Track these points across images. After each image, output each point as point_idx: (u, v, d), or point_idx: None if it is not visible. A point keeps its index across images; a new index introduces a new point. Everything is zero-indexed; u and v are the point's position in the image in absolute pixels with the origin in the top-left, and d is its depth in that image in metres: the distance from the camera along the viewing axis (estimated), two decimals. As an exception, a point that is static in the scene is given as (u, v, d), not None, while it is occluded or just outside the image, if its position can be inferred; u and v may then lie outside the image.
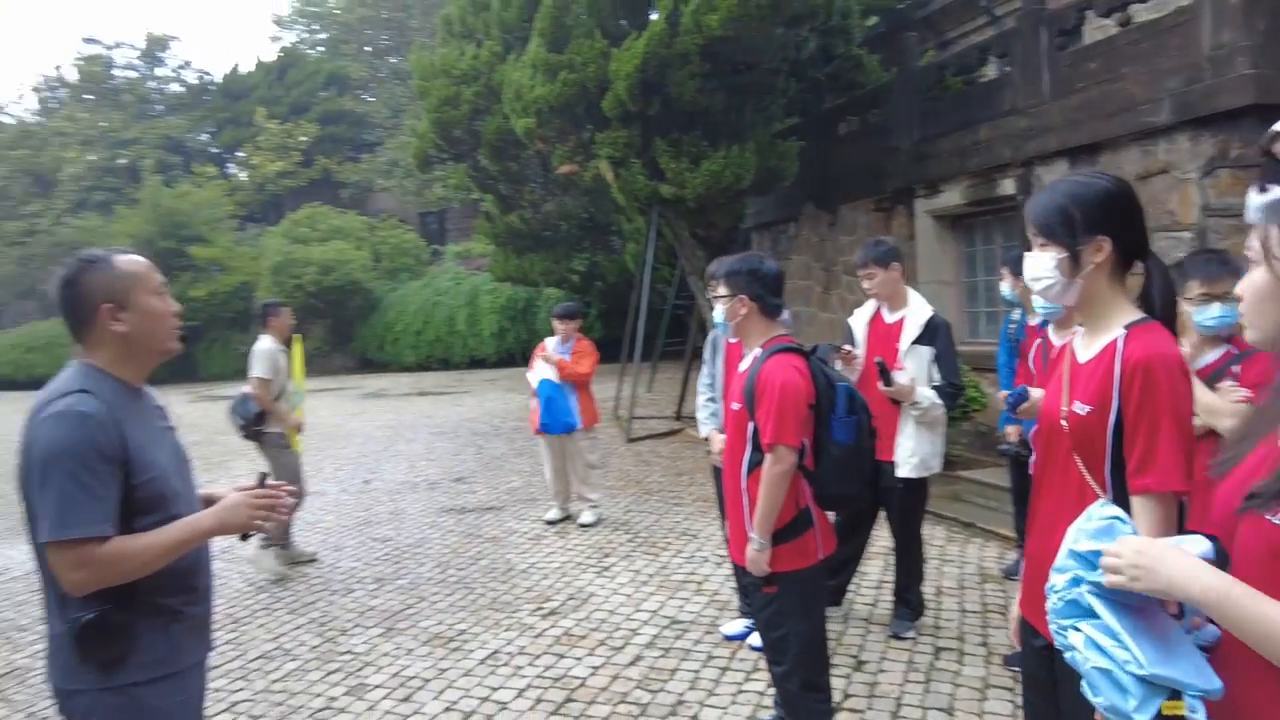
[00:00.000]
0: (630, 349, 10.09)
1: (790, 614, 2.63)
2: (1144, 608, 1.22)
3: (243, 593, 5.07)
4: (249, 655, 4.12)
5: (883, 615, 4.07)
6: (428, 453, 9.54)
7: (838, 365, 3.88)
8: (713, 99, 7.25)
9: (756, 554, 2.58)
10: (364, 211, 27.80)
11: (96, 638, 1.72)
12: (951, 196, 7.31)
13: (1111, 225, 1.69)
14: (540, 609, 4.48)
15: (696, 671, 3.63)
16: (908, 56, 8.11)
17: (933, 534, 5.26)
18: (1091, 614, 1.28)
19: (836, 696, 3.26)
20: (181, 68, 33.41)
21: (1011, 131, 6.63)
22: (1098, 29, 6.91)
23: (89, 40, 34.22)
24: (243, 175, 29.95)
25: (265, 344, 5.44)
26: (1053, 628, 1.38)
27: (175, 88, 33.24)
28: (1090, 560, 1.32)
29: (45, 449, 1.70)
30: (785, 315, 3.90)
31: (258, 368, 5.34)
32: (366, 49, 31.92)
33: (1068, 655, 1.32)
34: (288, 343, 5.69)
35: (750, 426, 2.63)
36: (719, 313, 2.81)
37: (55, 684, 1.80)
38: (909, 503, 3.85)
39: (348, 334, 24.10)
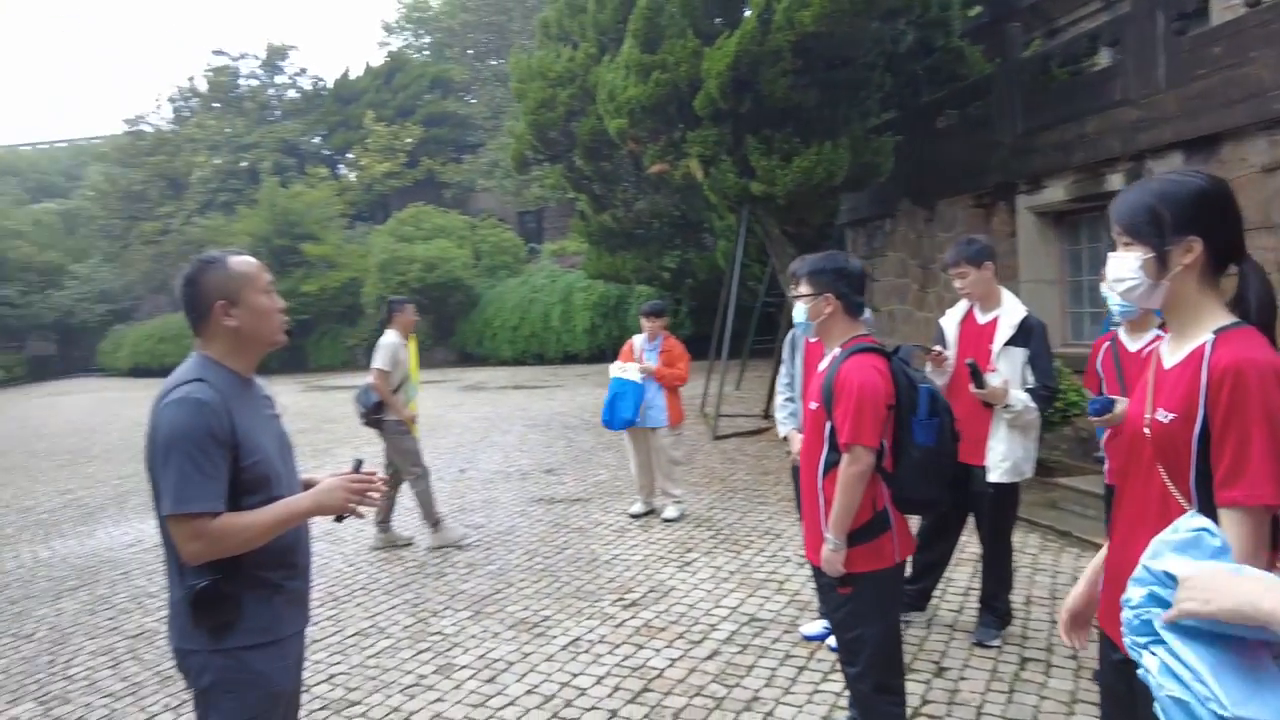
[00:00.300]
0: (718, 346, 10.09)
1: (865, 616, 2.61)
2: (1233, 639, 1.15)
3: (343, 573, 5.37)
4: (347, 631, 4.37)
5: (968, 622, 3.96)
6: (520, 444, 9.81)
7: (928, 368, 3.82)
8: (805, 95, 7.17)
9: (831, 554, 2.57)
10: (465, 211, 28.71)
11: (208, 604, 1.90)
12: (1055, 192, 6.99)
13: (1203, 225, 1.62)
14: (622, 600, 4.57)
15: (773, 669, 3.64)
16: (1011, 47, 7.80)
17: (1026, 541, 5.08)
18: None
19: (914, 701, 3.22)
20: (298, 75, 35.26)
21: (1122, 123, 6.30)
22: (1226, 9, 6.49)
23: (217, 53, 36.26)
24: (352, 176, 31.38)
25: (389, 338, 5.72)
26: (1127, 642, 1.34)
27: (292, 94, 35.13)
28: (1166, 581, 1.27)
29: (167, 432, 1.88)
30: (867, 315, 3.86)
31: (379, 360, 5.63)
32: (469, 52, 32.89)
33: (1141, 673, 1.29)
34: (410, 338, 5.96)
35: (828, 426, 2.62)
36: (800, 311, 2.79)
37: (174, 644, 1.99)
38: (999, 508, 3.74)
39: (449, 329, 24.91)
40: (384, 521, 5.89)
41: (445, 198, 29.91)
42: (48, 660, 4.29)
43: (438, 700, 3.53)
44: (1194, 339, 1.65)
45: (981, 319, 3.77)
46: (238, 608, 1.94)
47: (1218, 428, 1.54)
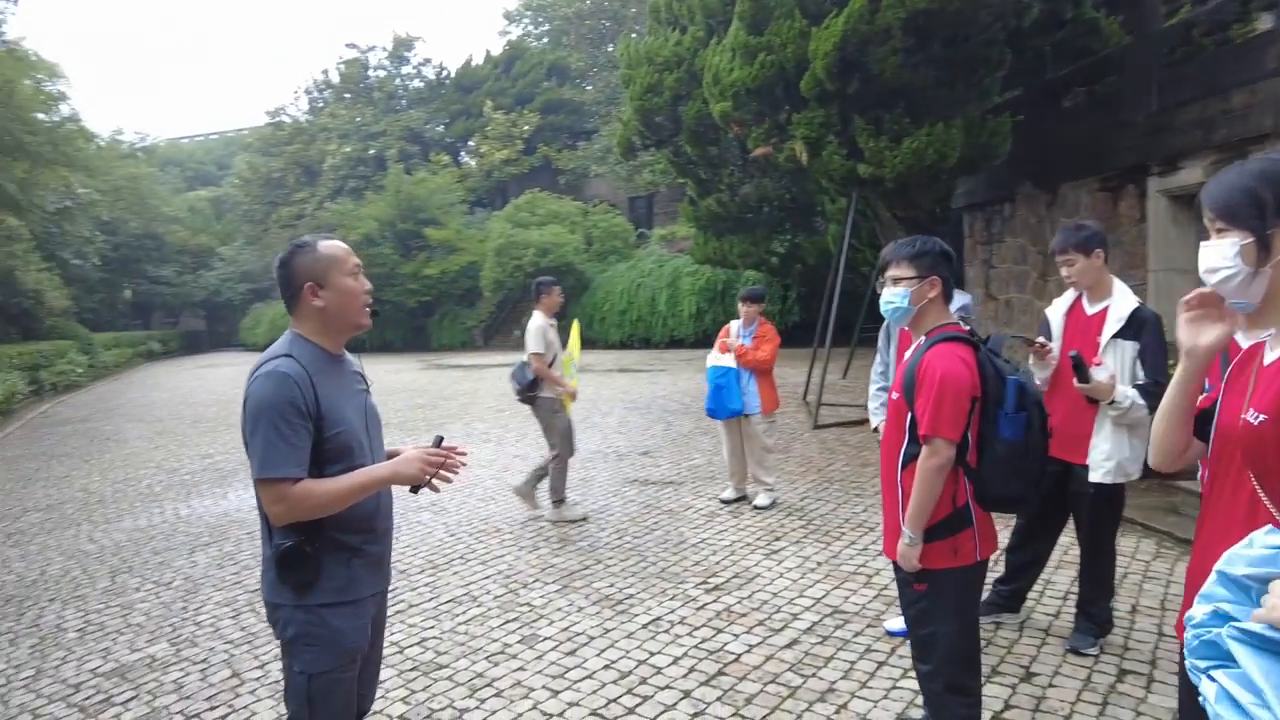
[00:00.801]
0: (823, 333, 9.89)
1: (939, 613, 2.54)
2: None
3: (444, 542, 5.64)
4: (441, 598, 4.59)
5: (1063, 628, 3.77)
6: (620, 426, 9.96)
7: (1030, 360, 3.64)
8: (916, 75, 6.90)
9: (907, 549, 2.51)
10: (579, 196, 29.22)
11: (291, 563, 2.05)
12: (1192, 174, 6.46)
13: None
14: (705, 583, 4.60)
15: (852, 662, 3.59)
16: (1151, 17, 7.23)
17: (1139, 547, 4.77)
18: (1231, 659, 1.14)
19: (996, 705, 3.10)
20: (422, 64, 36.68)
21: (1274, 96, 5.74)
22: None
23: (350, 45, 38.16)
24: (472, 163, 32.44)
25: (535, 320, 5.92)
26: (1187, 664, 1.26)
27: (416, 83, 36.60)
28: (1244, 587, 1.18)
29: (255, 403, 2.03)
30: (965, 300, 3.72)
31: (531, 344, 5.83)
32: (586, 38, 33.32)
33: (1200, 699, 1.20)
34: (558, 317, 6.13)
35: (909, 417, 2.55)
36: (896, 296, 2.66)
37: (265, 597, 2.16)
38: (1101, 510, 3.53)
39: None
40: (559, 500, 6.07)
41: (560, 184, 30.51)
42: (181, 607, 4.72)
43: (519, 669, 3.67)
44: None
45: (1090, 309, 3.55)
46: (318, 568, 2.09)
47: None
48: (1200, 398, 1.74)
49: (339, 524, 2.12)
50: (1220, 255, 1.55)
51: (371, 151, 33.18)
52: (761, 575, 4.70)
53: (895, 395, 2.65)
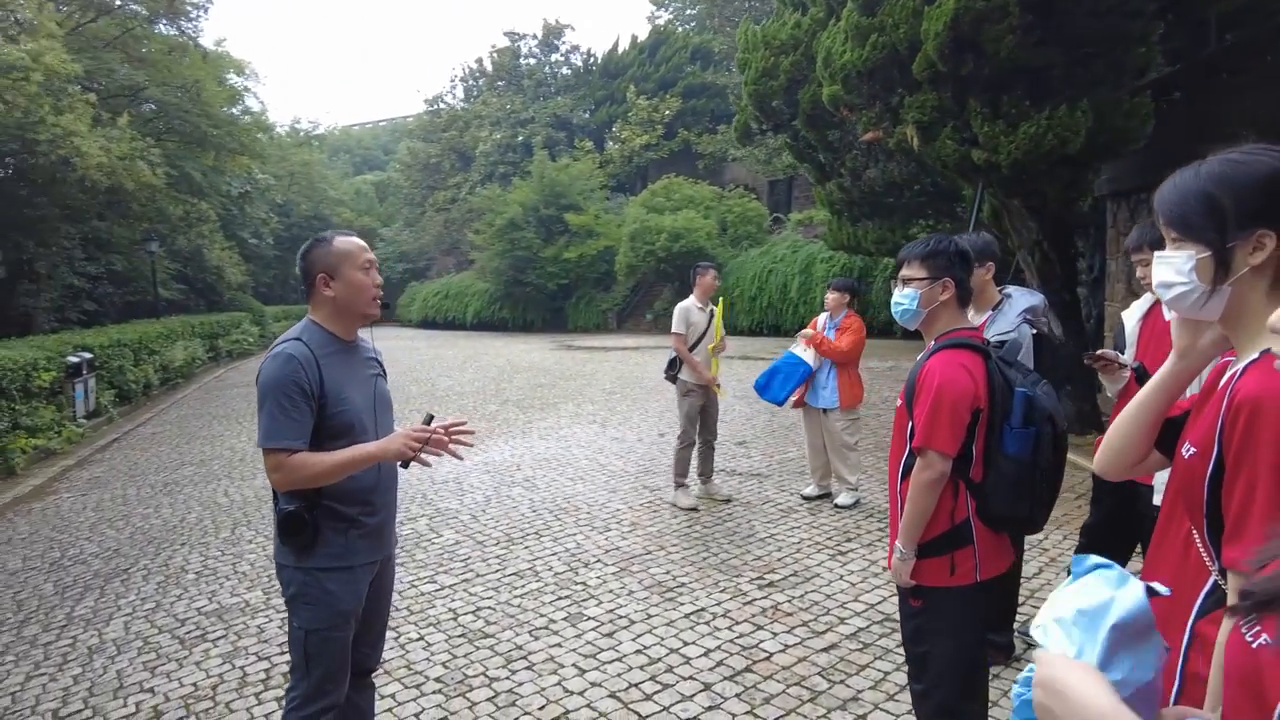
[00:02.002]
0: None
1: (934, 633, 2.44)
2: None
3: (525, 518, 5.89)
4: (507, 570, 4.82)
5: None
6: (724, 414, 9.91)
7: (1101, 378, 3.37)
8: (1037, 54, 6.41)
9: (898, 563, 2.43)
10: (718, 181, 29.08)
11: (290, 527, 2.26)
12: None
13: (1277, 216, 1.32)
14: (761, 578, 4.57)
15: (886, 673, 3.48)
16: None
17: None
18: None
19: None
20: (570, 51, 37.56)
21: None
22: None
23: (508, 34, 39.57)
24: (613, 148, 32.96)
25: (683, 302, 6.13)
26: None
27: (565, 71, 37.56)
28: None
29: (263, 380, 2.26)
30: (1028, 303, 3.47)
31: (674, 324, 6.09)
32: (731, 21, 32.95)
33: None
34: (712, 301, 6.28)
35: (909, 426, 2.46)
36: (906, 298, 2.57)
37: (274, 556, 2.40)
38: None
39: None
40: (707, 479, 6.28)
41: (699, 168, 30.47)
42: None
43: (556, 645, 3.82)
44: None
45: (1168, 314, 3.23)
46: (315, 534, 2.29)
47: (1229, 470, 1.28)
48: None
49: (337, 496, 2.31)
50: (1174, 269, 1.41)
51: (520, 138, 34.43)
52: (820, 575, 4.62)
53: (899, 402, 2.56)
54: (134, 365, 12.64)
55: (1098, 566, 1.07)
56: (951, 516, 2.40)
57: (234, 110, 20.30)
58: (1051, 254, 8.66)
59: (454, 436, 2.38)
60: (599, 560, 4.95)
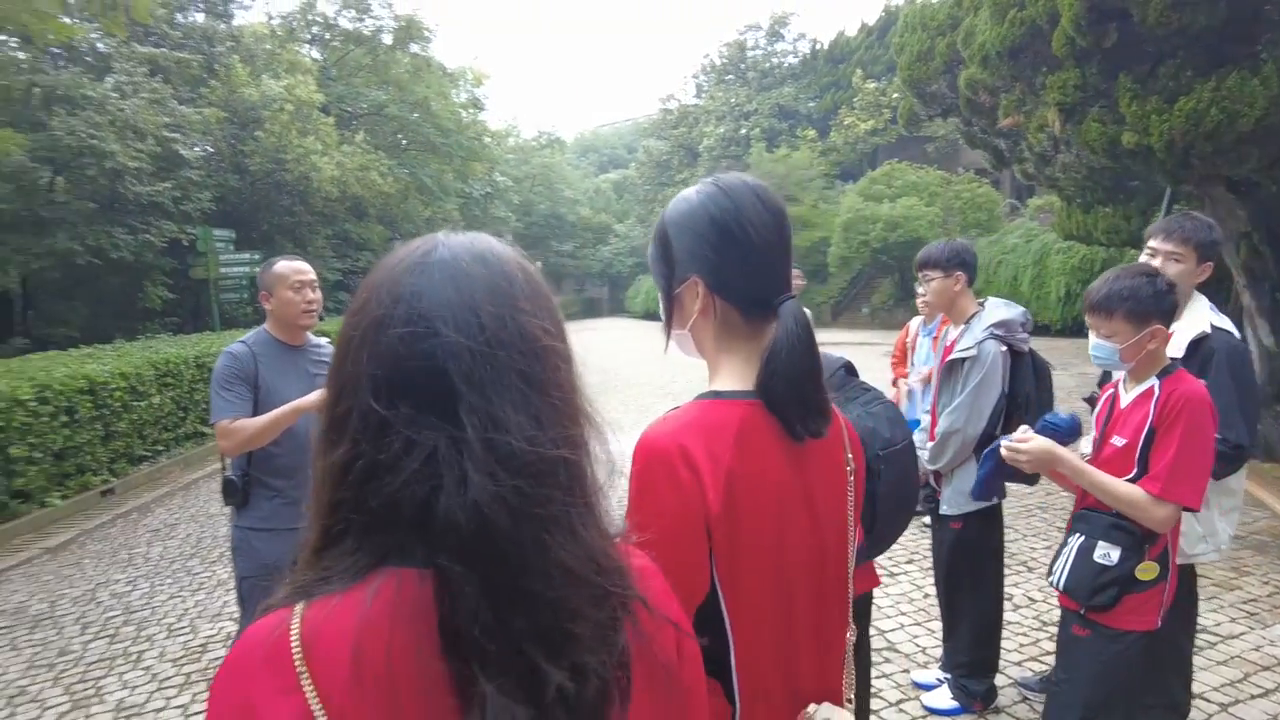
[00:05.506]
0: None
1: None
2: None
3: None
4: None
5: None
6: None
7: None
8: (1195, 16, 5.54)
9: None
10: (950, 165, 27.29)
11: (226, 490, 2.82)
12: None
13: None
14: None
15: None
16: None
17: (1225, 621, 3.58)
18: None
19: None
20: (797, 39, 36.98)
21: None
22: None
23: (750, 26, 39.69)
24: (835, 137, 32.06)
25: None
26: None
27: (790, 60, 37.06)
28: None
29: (213, 373, 2.82)
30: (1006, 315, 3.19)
31: None
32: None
33: None
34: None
35: None
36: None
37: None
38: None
39: (910, 289, 24.33)
40: None
41: (929, 153, 28.76)
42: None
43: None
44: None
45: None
46: (245, 498, 2.83)
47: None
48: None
49: (265, 469, 2.84)
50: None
51: (743, 131, 34.60)
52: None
53: None
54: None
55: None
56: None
57: (475, 116, 22.68)
58: (1263, 247, 7.38)
59: None
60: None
